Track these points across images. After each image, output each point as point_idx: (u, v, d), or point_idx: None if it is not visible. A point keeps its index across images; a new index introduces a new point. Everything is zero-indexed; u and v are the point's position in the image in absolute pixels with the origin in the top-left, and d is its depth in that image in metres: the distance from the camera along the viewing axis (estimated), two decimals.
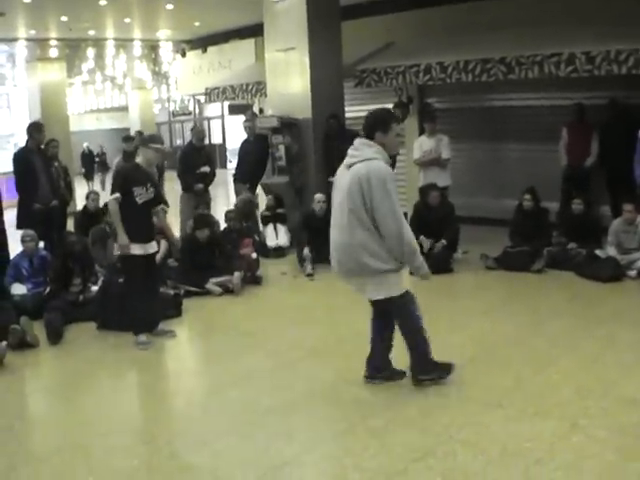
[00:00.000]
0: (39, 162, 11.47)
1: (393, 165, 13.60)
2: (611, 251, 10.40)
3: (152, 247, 8.12)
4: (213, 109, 35.38)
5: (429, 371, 6.34)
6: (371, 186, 5.80)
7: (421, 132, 14.61)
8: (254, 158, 13.77)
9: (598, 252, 10.48)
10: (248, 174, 13.88)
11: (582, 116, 12.82)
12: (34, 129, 11.73)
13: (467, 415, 5.77)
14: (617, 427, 5.43)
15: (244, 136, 14.30)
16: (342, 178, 6.06)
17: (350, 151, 6.08)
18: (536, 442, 5.21)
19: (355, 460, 5.03)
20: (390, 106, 15.32)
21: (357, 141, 6.07)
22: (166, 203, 12.57)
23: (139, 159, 8.18)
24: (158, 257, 9.84)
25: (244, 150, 14.20)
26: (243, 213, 12.61)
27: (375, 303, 6.40)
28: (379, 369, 6.49)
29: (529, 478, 4.71)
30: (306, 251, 11.06)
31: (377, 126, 6.03)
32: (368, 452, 5.14)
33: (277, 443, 5.30)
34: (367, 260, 5.95)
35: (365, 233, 5.93)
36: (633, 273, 10.09)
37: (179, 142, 37.92)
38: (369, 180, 5.80)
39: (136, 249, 7.85)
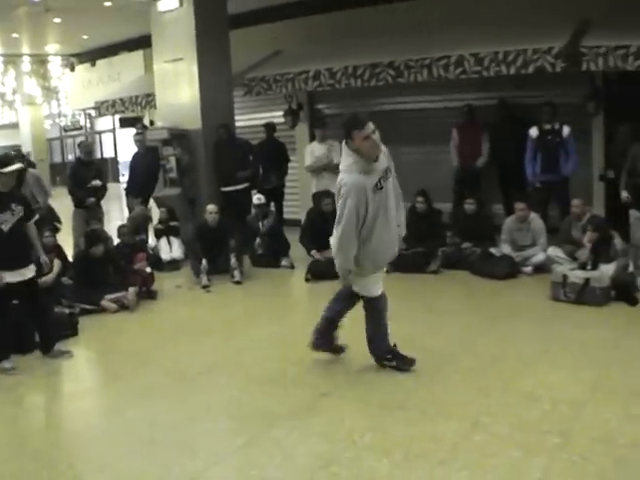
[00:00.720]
0: None
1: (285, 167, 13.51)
2: (505, 249, 10.53)
3: (26, 273, 7.64)
4: (104, 123, 34.79)
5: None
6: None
7: (312, 138, 14.60)
8: (145, 171, 13.54)
9: (493, 250, 10.61)
10: (140, 187, 13.64)
11: (472, 117, 12.99)
12: None
13: (369, 419, 5.70)
14: (519, 423, 5.44)
15: (135, 149, 14.06)
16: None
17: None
18: (439, 443, 5.17)
19: (260, 472, 4.90)
20: (280, 114, 15.34)
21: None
22: (58, 220, 12.28)
23: None
24: (52, 276, 9.57)
25: (135, 163, 13.96)
26: (136, 227, 12.39)
27: None
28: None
29: (434, 479, 4.64)
30: (204, 263, 10.90)
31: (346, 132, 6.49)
32: (273, 463, 5.03)
33: (180, 460, 5.14)
34: None
35: None
36: (528, 269, 10.25)
37: (71, 157, 37.18)
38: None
39: (9, 277, 7.50)
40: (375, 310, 6.71)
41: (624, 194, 9.72)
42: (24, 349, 7.97)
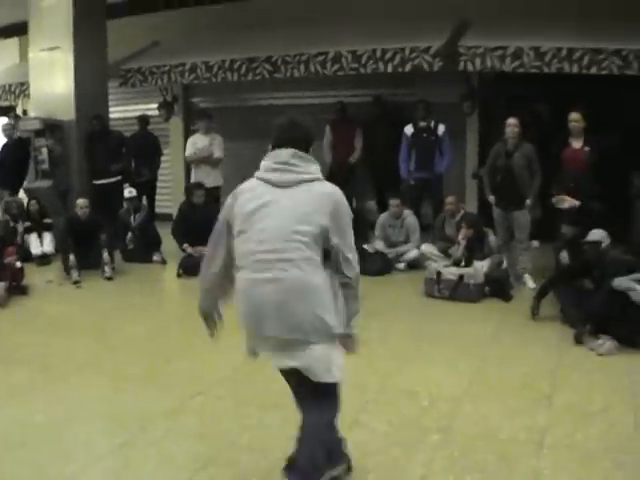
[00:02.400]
0: None
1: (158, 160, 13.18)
2: (379, 245, 10.57)
3: None
4: None
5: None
6: (342, 215, 4.20)
7: (186, 132, 14.41)
8: (15, 162, 13.11)
9: (366, 247, 10.58)
10: (9, 179, 13.20)
11: (344, 114, 13.04)
12: None
13: (245, 419, 5.56)
14: (398, 420, 5.41)
15: (4, 140, 13.58)
16: (280, 197, 4.10)
17: (281, 165, 4.16)
18: None
19: (137, 474, 4.73)
20: (155, 106, 15.08)
21: (289, 153, 4.16)
22: None
23: None
24: None
25: (5, 154, 13.49)
26: (10, 219, 11.99)
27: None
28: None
29: None
30: (71, 258, 10.56)
31: (311, 140, 4.38)
32: (150, 464, 4.84)
33: (55, 463, 4.88)
34: (327, 317, 4.00)
35: (324, 274, 4.04)
36: (402, 265, 10.33)
37: None
38: (341, 206, 4.23)
39: None
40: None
41: (491, 198, 9.81)
42: None
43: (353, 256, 4.16)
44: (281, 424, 5.41)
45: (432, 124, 11.24)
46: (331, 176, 12.74)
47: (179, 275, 10.61)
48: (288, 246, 3.92)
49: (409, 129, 11.32)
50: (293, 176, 4.12)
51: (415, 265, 10.25)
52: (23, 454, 5.10)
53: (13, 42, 18.94)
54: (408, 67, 11.35)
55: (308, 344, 3.96)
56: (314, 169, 4.16)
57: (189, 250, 10.90)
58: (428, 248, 10.04)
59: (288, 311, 3.91)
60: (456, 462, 4.73)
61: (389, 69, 11.53)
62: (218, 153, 12.33)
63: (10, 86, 16.35)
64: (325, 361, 4.04)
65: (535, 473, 4.58)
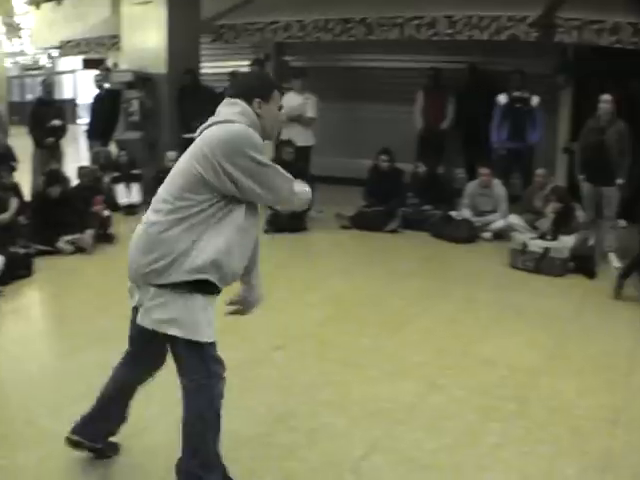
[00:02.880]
0: None
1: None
2: (466, 213, 10.54)
3: None
4: (66, 63, 34.23)
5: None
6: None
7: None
8: (106, 113, 13.37)
9: (453, 214, 10.60)
10: (100, 129, 13.49)
11: (438, 80, 12.98)
12: None
13: (326, 375, 5.67)
14: (476, 387, 5.45)
15: (96, 91, 13.84)
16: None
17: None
18: (396, 402, 5.17)
19: None
20: (247, 63, 15.17)
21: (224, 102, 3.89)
22: (15, 159, 12.08)
23: None
24: (8, 215, 9.40)
25: (96, 105, 13.77)
26: (98, 169, 12.24)
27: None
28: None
29: (392, 438, 4.65)
30: None
31: (255, 90, 3.83)
32: (230, 413, 4.96)
33: (136, 406, 5.06)
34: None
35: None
36: (488, 235, 10.28)
37: (30, 97, 36.52)
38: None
39: None
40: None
41: (580, 177, 9.72)
42: None
43: None
44: (361, 381, 5.53)
45: (526, 95, 11.13)
46: (421, 142, 12.80)
47: (266, 231, 10.72)
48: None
49: (503, 98, 11.23)
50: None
51: (501, 235, 10.19)
52: None
53: None
54: (504, 36, 11.21)
55: None
56: (231, 112, 3.75)
57: (278, 207, 10.99)
58: (515, 219, 9.97)
59: None
60: (530, 433, 4.75)
61: (484, 37, 11.41)
62: (311, 113, 12.35)
63: (102, 39, 16.61)
64: None
65: (607, 450, 4.58)
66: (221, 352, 5.44)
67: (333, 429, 4.76)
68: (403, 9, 12.29)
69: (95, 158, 12.70)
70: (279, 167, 3.81)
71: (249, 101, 3.77)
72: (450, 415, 4.97)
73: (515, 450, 4.53)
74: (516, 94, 11.14)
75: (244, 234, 3.82)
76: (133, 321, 4.04)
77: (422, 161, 11.20)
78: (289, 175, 3.92)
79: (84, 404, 5.12)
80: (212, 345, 3.97)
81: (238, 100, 3.77)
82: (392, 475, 4.23)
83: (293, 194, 4.01)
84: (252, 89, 3.84)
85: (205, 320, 3.82)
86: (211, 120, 3.80)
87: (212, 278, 3.68)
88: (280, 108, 3.94)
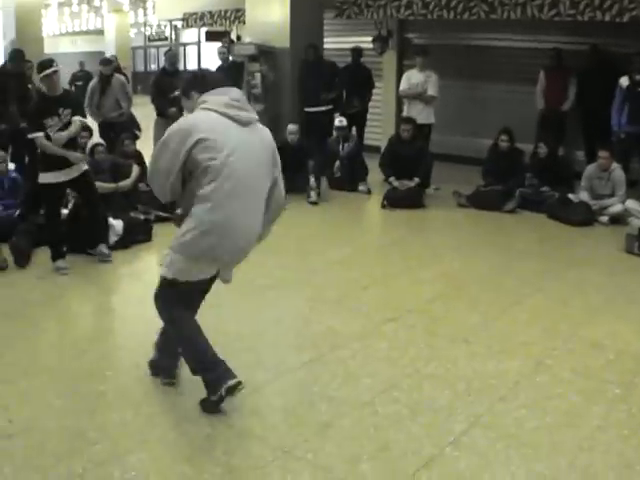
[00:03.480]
0: (12, 83, 11.18)
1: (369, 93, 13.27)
2: (584, 196, 10.44)
3: (74, 171, 7.76)
4: (189, 35, 34.77)
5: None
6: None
7: (400, 67, 14.55)
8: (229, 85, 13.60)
9: (571, 196, 10.51)
10: None
11: (560, 61, 12.81)
12: (20, 56, 11.58)
13: (434, 350, 5.80)
14: (582, 369, 5.49)
15: (219, 62, 14.12)
16: (248, 136, 4.65)
17: (237, 103, 4.63)
18: (501, 379, 5.27)
19: (322, 389, 5.04)
20: (369, 39, 15.25)
21: (238, 93, 4.73)
22: (139, 128, 12.46)
23: (44, 88, 7.91)
24: (130, 181, 9.74)
25: None
26: None
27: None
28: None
29: (494, 414, 4.75)
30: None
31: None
32: (335, 381, 5.17)
33: (246, 370, 5.26)
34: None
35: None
36: (605, 219, 10.15)
37: (153, 67, 37.30)
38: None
39: (55, 177, 7.68)
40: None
41: None
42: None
43: None
44: (468, 357, 5.66)
45: None
46: (543, 122, 12.70)
47: (383, 206, 10.83)
48: None
49: (625, 81, 11.04)
50: (246, 115, 4.68)
51: (618, 220, 10.06)
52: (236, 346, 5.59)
53: None
54: (626, 17, 11.06)
55: None
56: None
57: (395, 183, 11.16)
58: (633, 204, 9.82)
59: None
60: (633, 417, 4.78)
61: (607, 18, 11.27)
62: (432, 91, 12.40)
63: (225, 12, 16.95)
64: None
65: None
66: (335, 324, 5.64)
67: (436, 403, 4.90)
68: None
69: None
70: None
71: None
72: (554, 395, 5.04)
73: (616, 433, 4.58)
74: (638, 77, 10.94)
75: None
76: (203, 288, 4.97)
77: (543, 142, 11.10)
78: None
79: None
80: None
81: None
82: (490, 451, 4.33)
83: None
84: None
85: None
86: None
87: None
88: None
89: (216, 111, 4.50)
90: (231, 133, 4.50)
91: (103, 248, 8.18)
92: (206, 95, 4.58)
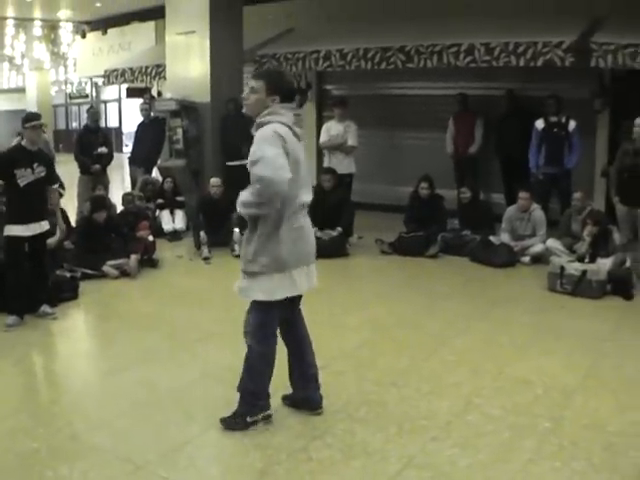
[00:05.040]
0: None
1: None
2: (505, 237, 10.61)
3: (38, 228, 7.85)
4: (110, 92, 34.77)
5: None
6: None
7: (319, 118, 14.70)
8: (150, 141, 13.62)
9: (492, 239, 10.66)
10: (144, 157, 13.73)
11: (465, 105, 13.25)
12: None
13: (364, 394, 5.79)
14: (511, 406, 5.53)
15: (141, 119, 14.11)
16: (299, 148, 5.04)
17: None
18: (432, 420, 5.28)
19: (255, 439, 4.98)
20: None
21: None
22: (62, 186, 12.35)
23: (23, 141, 7.97)
24: (54, 240, 9.63)
25: (140, 133, 14.03)
26: (144, 195, 12.48)
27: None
28: None
29: (427, 454, 4.75)
30: (202, 235, 10.97)
31: None
32: (268, 430, 5.12)
33: (177, 422, 5.23)
34: None
35: None
36: (527, 259, 10.33)
37: (75, 125, 37.13)
38: None
39: (17, 230, 7.69)
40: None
41: (615, 198, 9.83)
42: (32, 309, 8.08)
43: None
44: (398, 400, 5.67)
45: (563, 119, 11.23)
46: (456, 167, 13.01)
47: None
48: None
49: (540, 123, 11.32)
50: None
51: (540, 259, 10.23)
52: (147, 412, 5.50)
53: (149, 25, 19.66)
54: (540, 62, 11.33)
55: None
56: None
57: (318, 233, 11.10)
58: (554, 243, 10.02)
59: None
60: (564, 449, 4.83)
61: (521, 63, 11.53)
62: (352, 141, 12.48)
63: (146, 68, 16.91)
64: None
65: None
66: None
67: (369, 446, 4.88)
68: (441, 37, 12.46)
69: (143, 187, 12.93)
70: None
71: None
72: (485, 433, 5.07)
73: (548, 466, 4.62)
74: (553, 119, 11.24)
75: None
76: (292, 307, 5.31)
77: (466, 187, 11.28)
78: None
79: (127, 420, 5.32)
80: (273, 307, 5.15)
81: None
82: None
83: None
84: None
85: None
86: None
87: None
88: None
89: (289, 127, 4.88)
90: (296, 148, 4.92)
91: (47, 308, 8.12)
92: (281, 107, 4.93)
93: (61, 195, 11.53)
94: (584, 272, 8.77)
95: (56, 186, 8.32)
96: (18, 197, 7.67)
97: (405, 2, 13.75)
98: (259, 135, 4.78)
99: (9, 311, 7.81)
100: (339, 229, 11.18)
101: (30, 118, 7.87)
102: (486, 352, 6.76)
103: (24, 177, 7.61)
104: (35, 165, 7.71)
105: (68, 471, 4.60)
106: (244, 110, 4.93)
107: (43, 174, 7.80)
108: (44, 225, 7.96)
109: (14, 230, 7.70)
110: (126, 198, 11.62)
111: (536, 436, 5.03)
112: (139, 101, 15.24)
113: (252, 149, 4.73)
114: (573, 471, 4.55)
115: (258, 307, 5.02)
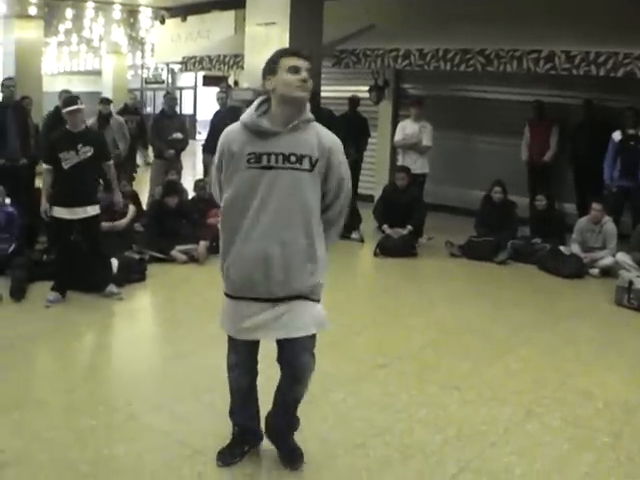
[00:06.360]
0: (10, 117, 11.29)
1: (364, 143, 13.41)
2: (575, 248, 10.53)
3: (82, 212, 7.95)
4: (186, 79, 35.13)
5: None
6: None
7: (395, 116, 14.72)
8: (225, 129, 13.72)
9: (562, 248, 10.61)
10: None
11: (541, 112, 13.17)
12: (9, 82, 11.66)
13: (426, 396, 5.85)
14: (572, 418, 5.54)
15: (216, 108, 14.25)
16: None
17: None
18: (491, 426, 5.32)
19: (315, 431, 5.05)
20: (365, 89, 15.43)
21: None
22: (134, 167, 12.58)
23: (67, 125, 8.04)
24: (125, 221, 9.83)
25: (216, 121, 14.15)
26: None
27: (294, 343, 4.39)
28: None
29: (484, 460, 4.80)
30: None
31: (263, 74, 4.29)
32: (327, 423, 5.21)
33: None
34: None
35: None
36: (596, 272, 10.24)
37: (149, 110, 37.51)
38: None
39: (60, 212, 7.88)
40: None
41: None
42: (97, 289, 8.30)
43: None
44: (458, 404, 5.72)
45: None
46: (529, 174, 12.97)
47: (376, 254, 10.92)
48: None
49: (617, 135, 11.21)
50: None
51: (608, 272, 10.16)
52: (209, 397, 5.61)
53: (229, 15, 19.69)
54: (620, 73, 11.22)
55: None
56: None
57: (388, 231, 11.25)
58: (623, 257, 9.92)
59: None
60: (621, 465, 4.83)
61: (601, 73, 11.43)
62: (427, 141, 12.49)
63: (224, 57, 17.06)
64: None
65: None
66: (329, 367, 5.69)
67: (427, 447, 4.94)
68: (522, 42, 12.40)
69: None
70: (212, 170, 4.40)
71: (263, 84, 4.21)
72: (543, 442, 5.09)
73: None
74: (630, 132, 11.11)
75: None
76: None
77: (543, 194, 11.24)
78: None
79: (188, 404, 5.44)
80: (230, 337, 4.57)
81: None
82: None
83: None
84: (263, 72, 4.25)
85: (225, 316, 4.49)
86: None
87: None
88: (292, 70, 4.08)
89: None
90: None
91: (112, 288, 8.32)
92: None
93: (134, 178, 11.77)
94: None
95: (110, 162, 8.39)
96: (62, 180, 7.85)
97: (486, 3, 13.66)
98: (337, 143, 4.30)
99: (52, 287, 8.05)
100: (409, 227, 11.23)
101: (68, 103, 8.00)
102: (550, 363, 6.76)
103: (68, 160, 7.78)
104: (79, 146, 7.83)
105: (124, 450, 4.74)
106: (307, 95, 4.17)
107: (90, 154, 7.90)
108: (90, 210, 8.02)
109: (57, 212, 7.90)
110: (198, 185, 11.75)
111: (594, 450, 5.03)
112: (214, 89, 15.36)
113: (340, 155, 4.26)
114: None
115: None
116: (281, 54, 4.19)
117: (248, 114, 4.31)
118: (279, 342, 4.33)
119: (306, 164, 4.11)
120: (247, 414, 4.69)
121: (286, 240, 4.12)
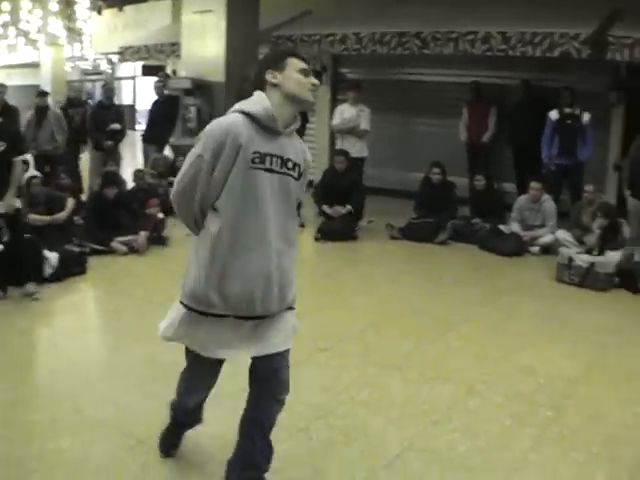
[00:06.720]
0: None
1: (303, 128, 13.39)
2: (515, 227, 10.61)
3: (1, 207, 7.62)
4: (125, 69, 34.68)
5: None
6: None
7: (333, 101, 14.69)
8: (163, 119, 13.64)
9: (502, 227, 10.67)
10: (156, 135, 13.79)
11: (479, 94, 13.27)
12: None
13: (367, 377, 5.82)
14: (513, 393, 5.55)
15: (155, 97, 14.13)
16: None
17: None
18: (433, 404, 5.31)
19: None
20: None
21: None
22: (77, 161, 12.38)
23: None
24: (64, 214, 9.65)
25: (154, 111, 14.06)
26: (157, 175, 12.50)
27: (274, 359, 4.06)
28: None
29: (427, 438, 4.78)
30: None
31: (265, 66, 3.78)
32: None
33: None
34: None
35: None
36: (536, 249, 10.33)
37: (89, 101, 37.02)
38: None
39: None
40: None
41: (627, 192, 9.80)
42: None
43: None
44: (401, 383, 5.70)
45: (577, 111, 11.18)
46: (469, 154, 13.04)
47: (317, 239, 10.89)
48: None
49: (554, 114, 11.28)
50: None
51: (548, 250, 10.23)
52: (151, 388, 5.47)
53: (166, 3, 19.61)
54: (556, 52, 11.27)
55: None
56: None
57: (328, 210, 11.22)
58: (563, 234, 10.02)
59: None
60: (564, 438, 4.85)
61: (537, 53, 11.48)
62: (365, 125, 12.50)
63: (161, 46, 16.92)
64: None
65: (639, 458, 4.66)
66: None
67: (370, 428, 4.91)
68: (458, 24, 12.42)
69: (154, 164, 12.97)
70: (190, 163, 3.69)
71: (262, 75, 3.72)
72: (486, 419, 5.10)
73: (548, 454, 4.64)
74: (567, 110, 11.19)
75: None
76: None
77: (482, 174, 11.29)
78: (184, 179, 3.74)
79: (132, 395, 5.35)
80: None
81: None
82: (424, 473, 4.36)
83: (175, 196, 3.90)
84: (264, 63, 3.82)
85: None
86: None
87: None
88: (303, 72, 3.75)
89: None
90: None
91: (31, 287, 7.92)
92: None
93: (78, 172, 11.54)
94: (592, 264, 8.78)
95: (20, 158, 7.89)
96: None
97: None
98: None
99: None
100: (348, 207, 11.21)
101: None
102: (491, 339, 6.78)
103: None
104: None
105: (69, 443, 4.64)
106: (314, 101, 3.90)
107: (2, 148, 7.51)
108: (2, 204, 7.62)
109: None
110: (137, 174, 11.62)
111: (537, 424, 5.05)
112: (154, 79, 15.21)
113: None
114: (572, 461, 4.56)
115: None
116: (289, 53, 3.86)
117: (260, 105, 3.68)
118: (258, 358, 4.00)
119: (296, 172, 3.82)
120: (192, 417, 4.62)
121: (280, 250, 3.85)
